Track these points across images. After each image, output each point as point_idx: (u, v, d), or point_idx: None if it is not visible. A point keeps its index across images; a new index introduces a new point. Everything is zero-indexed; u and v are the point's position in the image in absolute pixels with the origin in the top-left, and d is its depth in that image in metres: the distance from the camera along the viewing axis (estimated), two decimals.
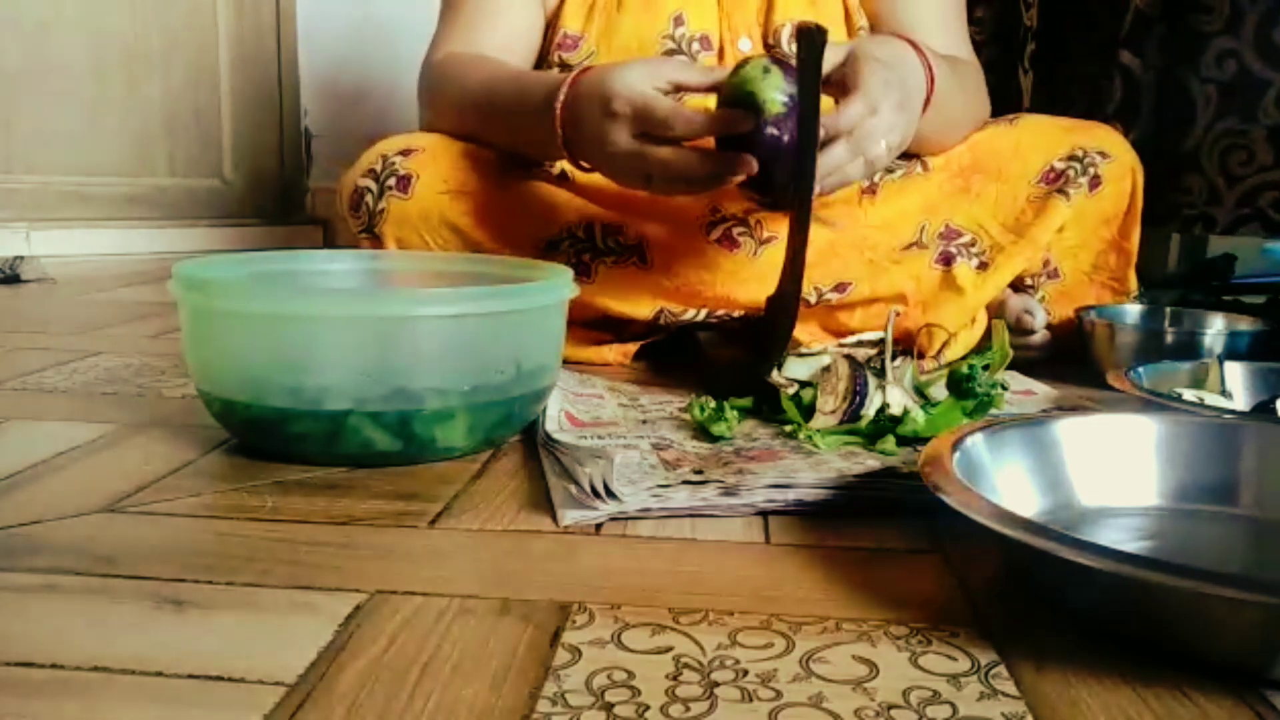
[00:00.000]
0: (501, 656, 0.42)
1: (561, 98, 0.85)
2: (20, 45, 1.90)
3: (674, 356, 1.05)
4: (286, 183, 2.23)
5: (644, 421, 0.78)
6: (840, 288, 1.01)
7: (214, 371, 0.68)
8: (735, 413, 0.74)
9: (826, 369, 0.76)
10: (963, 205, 1.04)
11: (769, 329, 0.84)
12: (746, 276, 0.98)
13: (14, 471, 0.64)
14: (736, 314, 0.99)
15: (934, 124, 0.91)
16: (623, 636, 0.44)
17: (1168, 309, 1.09)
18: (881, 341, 0.79)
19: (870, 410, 0.73)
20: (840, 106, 0.77)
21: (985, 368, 0.77)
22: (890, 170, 1.02)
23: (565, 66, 1.06)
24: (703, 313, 0.99)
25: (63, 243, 1.91)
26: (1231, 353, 0.92)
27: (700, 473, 0.64)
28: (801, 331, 0.99)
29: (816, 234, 0.88)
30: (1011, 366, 0.89)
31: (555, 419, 0.74)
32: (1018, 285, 1.07)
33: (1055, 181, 1.03)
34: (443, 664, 0.42)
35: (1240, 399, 0.84)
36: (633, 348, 1.02)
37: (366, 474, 0.66)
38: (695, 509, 0.59)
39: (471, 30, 1.06)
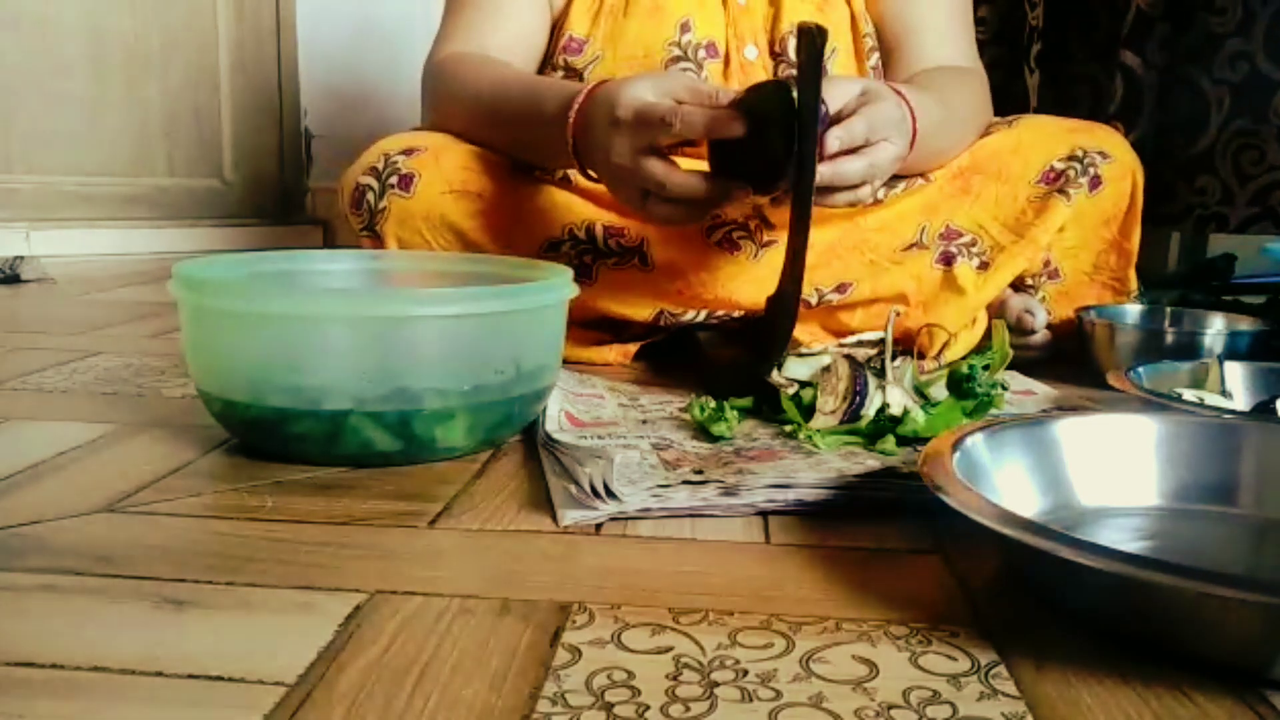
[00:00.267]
0: (501, 656, 0.42)
1: (576, 106, 0.84)
2: (20, 45, 1.90)
3: (674, 356, 1.05)
4: (286, 183, 2.23)
5: (644, 421, 0.78)
6: (841, 288, 1.01)
7: (214, 371, 0.68)
8: (735, 413, 0.74)
9: (826, 369, 0.76)
10: (963, 205, 1.04)
11: (769, 329, 0.84)
12: (747, 279, 0.98)
13: (14, 471, 0.64)
14: (737, 315, 0.99)
15: (919, 156, 0.91)
16: (623, 636, 0.44)
17: (1168, 309, 1.09)
18: (882, 342, 0.79)
19: (870, 410, 0.73)
20: (856, 118, 0.79)
21: (985, 368, 0.77)
22: (891, 185, 1.01)
23: (570, 70, 1.05)
24: (703, 314, 0.99)
25: (63, 243, 1.91)
26: (1231, 353, 0.92)
27: (700, 473, 0.64)
28: (802, 331, 0.99)
29: (817, 235, 0.88)
30: (1011, 366, 0.89)
31: (555, 419, 0.74)
32: (1018, 285, 1.07)
33: (1055, 181, 1.03)
34: (443, 664, 0.42)
35: (1240, 399, 0.84)
36: (633, 348, 1.02)
37: (366, 474, 0.66)
38: (695, 509, 0.59)
39: (475, 29, 1.06)
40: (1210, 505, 0.59)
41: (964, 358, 0.82)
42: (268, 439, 0.68)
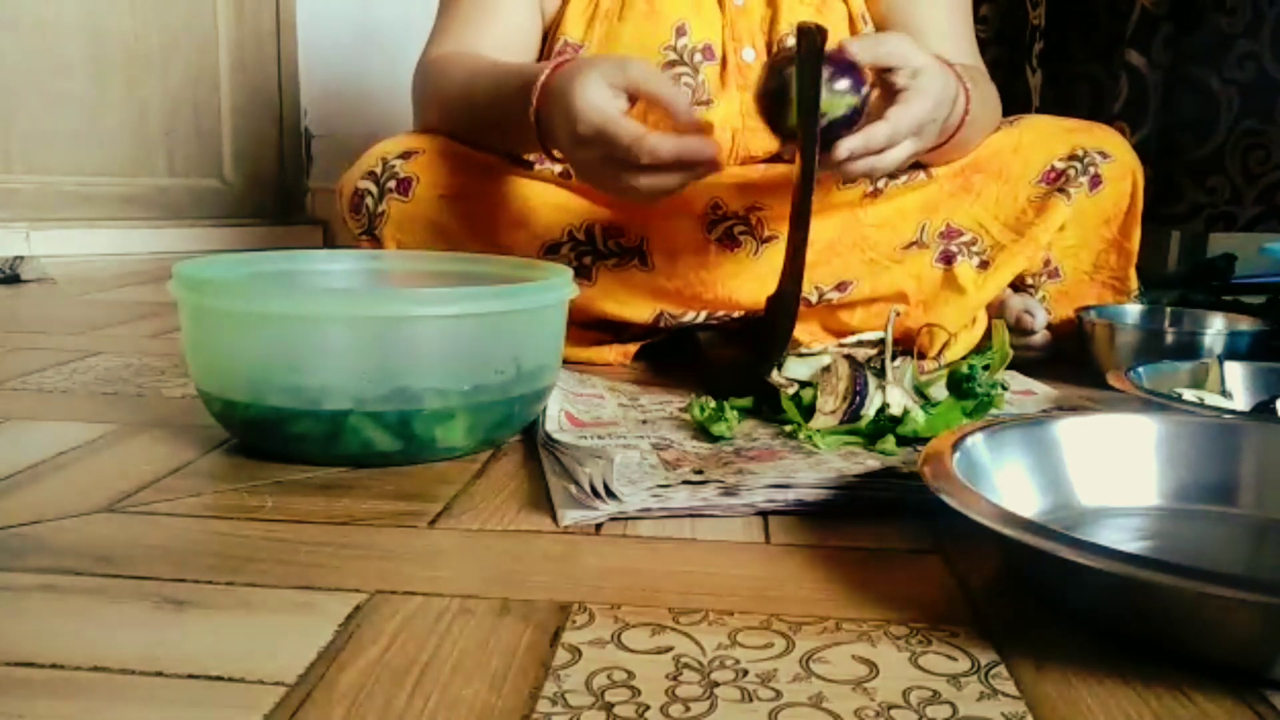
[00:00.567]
0: (501, 656, 0.42)
1: (535, 99, 0.83)
2: (20, 45, 1.90)
3: (674, 356, 1.05)
4: (286, 183, 2.23)
5: (644, 421, 0.78)
6: (841, 287, 1.01)
7: (214, 371, 0.68)
8: (735, 413, 0.74)
9: (826, 369, 0.76)
10: (964, 204, 1.04)
11: (769, 329, 0.84)
12: (748, 277, 0.97)
13: (14, 471, 0.64)
14: (737, 315, 0.99)
15: (956, 144, 0.92)
16: (623, 636, 0.44)
17: (1168, 309, 1.09)
18: (881, 341, 0.79)
19: (870, 410, 0.73)
20: (897, 109, 0.78)
21: (985, 368, 0.77)
22: (893, 177, 1.01)
23: None
24: (703, 315, 0.99)
25: (63, 243, 1.91)
26: (1231, 353, 0.92)
27: (700, 473, 0.64)
28: (802, 331, 0.99)
29: (817, 231, 0.88)
30: (1011, 366, 0.89)
31: (555, 419, 0.74)
32: (1018, 285, 1.07)
33: (1056, 181, 1.03)
34: (443, 664, 0.42)
35: (1240, 399, 0.84)
36: (633, 348, 1.02)
37: (366, 474, 0.66)
38: (695, 509, 0.59)
39: (466, 30, 1.05)
40: (1210, 505, 0.59)
41: (964, 358, 0.82)
42: (268, 439, 0.68)
